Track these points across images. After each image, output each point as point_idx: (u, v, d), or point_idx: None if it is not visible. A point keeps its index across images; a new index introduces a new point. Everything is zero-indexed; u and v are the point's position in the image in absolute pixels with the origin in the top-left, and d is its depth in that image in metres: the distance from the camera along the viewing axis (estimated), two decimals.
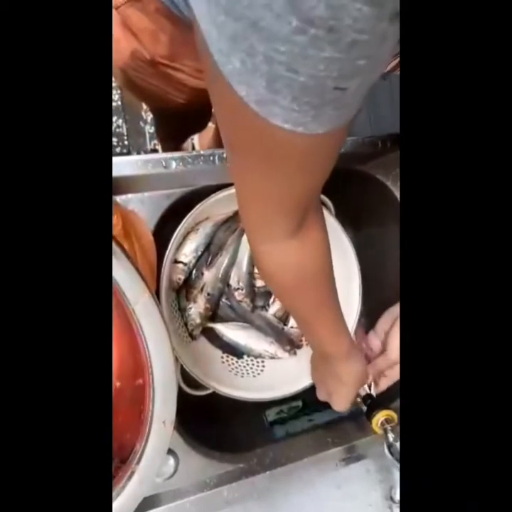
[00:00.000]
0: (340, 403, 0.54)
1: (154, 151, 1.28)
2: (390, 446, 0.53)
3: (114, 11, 0.52)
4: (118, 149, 1.28)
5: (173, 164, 0.51)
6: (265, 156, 0.26)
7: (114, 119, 1.27)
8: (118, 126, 1.28)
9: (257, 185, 0.30)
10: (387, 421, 0.54)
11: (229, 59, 0.20)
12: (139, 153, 1.28)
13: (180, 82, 0.59)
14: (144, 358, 0.41)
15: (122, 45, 0.55)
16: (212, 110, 1.06)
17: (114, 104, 1.26)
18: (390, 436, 0.54)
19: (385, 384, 0.59)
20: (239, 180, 0.33)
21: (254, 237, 0.37)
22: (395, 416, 0.55)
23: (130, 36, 0.53)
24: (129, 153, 1.28)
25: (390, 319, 0.59)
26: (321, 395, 0.60)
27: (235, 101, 0.22)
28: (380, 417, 0.54)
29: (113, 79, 0.66)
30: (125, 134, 1.28)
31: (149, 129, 1.29)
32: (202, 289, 0.63)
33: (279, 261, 0.38)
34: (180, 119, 0.80)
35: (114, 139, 1.27)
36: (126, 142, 1.28)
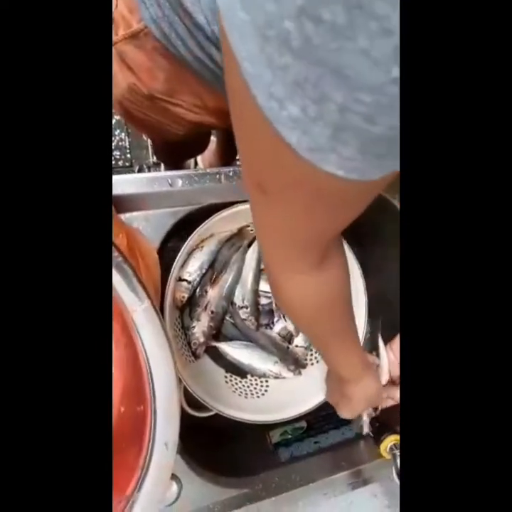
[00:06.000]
0: (344, 414, 0.55)
1: (157, 164, 1.28)
2: (398, 473, 0.52)
3: None
4: (120, 162, 1.27)
5: (180, 182, 0.51)
6: (302, 199, 0.25)
7: (117, 132, 1.27)
8: (121, 140, 1.28)
9: (287, 226, 0.29)
10: (396, 446, 0.53)
11: (283, 105, 0.18)
12: (141, 166, 1.28)
13: (178, 116, 0.58)
14: (145, 376, 0.39)
15: (119, 79, 0.54)
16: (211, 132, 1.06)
17: (116, 117, 1.26)
18: (399, 461, 0.52)
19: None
20: (265, 219, 0.31)
21: (274, 268, 0.36)
22: None
23: (127, 71, 0.53)
24: (131, 166, 1.28)
25: None
26: (330, 399, 0.60)
27: (279, 147, 0.20)
28: (388, 441, 0.53)
29: None
30: (127, 147, 1.28)
31: (151, 143, 1.29)
32: (206, 307, 0.62)
33: (300, 293, 0.37)
34: (179, 147, 0.80)
35: (117, 153, 1.27)
36: (128, 155, 1.28)
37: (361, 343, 0.64)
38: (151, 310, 0.34)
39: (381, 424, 0.56)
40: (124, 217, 0.51)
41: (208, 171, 0.52)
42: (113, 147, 1.26)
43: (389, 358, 0.59)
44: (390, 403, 0.58)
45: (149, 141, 1.29)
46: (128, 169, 1.28)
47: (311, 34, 0.15)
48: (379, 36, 0.14)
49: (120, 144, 1.27)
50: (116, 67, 0.53)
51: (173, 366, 0.37)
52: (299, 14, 0.14)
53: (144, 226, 0.52)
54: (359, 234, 0.71)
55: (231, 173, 0.53)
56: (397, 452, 0.53)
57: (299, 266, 0.34)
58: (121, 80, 0.54)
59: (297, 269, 0.35)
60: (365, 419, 0.58)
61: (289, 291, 0.37)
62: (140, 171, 1.27)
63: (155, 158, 1.29)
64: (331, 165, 0.20)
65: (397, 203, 0.64)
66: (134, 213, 0.52)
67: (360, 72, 0.15)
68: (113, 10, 0.49)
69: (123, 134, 1.28)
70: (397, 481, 0.53)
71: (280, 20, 0.15)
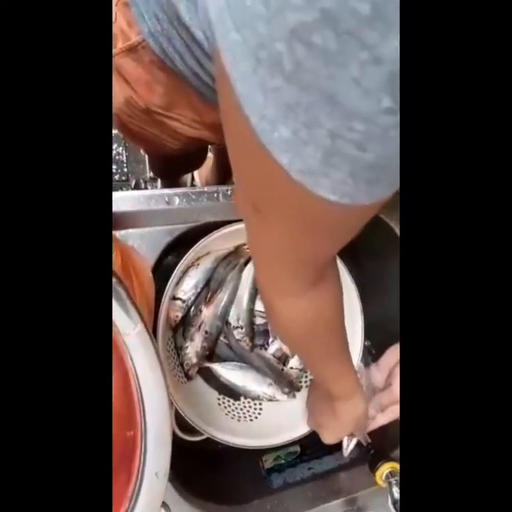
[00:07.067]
0: (328, 437, 0.54)
1: (153, 179, 1.27)
2: (394, 503, 0.50)
3: None
4: (117, 176, 1.27)
5: (177, 200, 0.50)
6: (296, 220, 0.25)
7: (114, 146, 1.27)
8: (118, 154, 1.27)
9: (281, 245, 0.28)
10: (392, 474, 0.52)
11: (275, 126, 0.18)
12: (137, 181, 1.28)
13: (174, 130, 0.57)
14: (135, 400, 0.38)
15: (116, 92, 0.54)
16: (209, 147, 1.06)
17: (114, 131, 1.26)
18: (395, 490, 0.51)
19: (386, 420, 0.56)
20: (259, 238, 0.30)
21: (267, 288, 0.36)
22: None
23: (124, 84, 0.52)
24: (127, 180, 1.27)
25: (396, 355, 0.57)
26: (311, 423, 0.60)
27: (272, 168, 0.20)
28: (384, 469, 0.52)
29: None
30: (124, 161, 1.28)
31: (147, 157, 1.29)
32: (200, 327, 0.61)
33: (293, 313, 0.36)
34: (175, 161, 0.79)
35: (114, 167, 1.27)
36: (125, 169, 1.28)
37: (358, 361, 0.63)
38: (145, 334, 0.33)
39: (376, 451, 0.54)
40: (119, 234, 0.50)
41: (205, 189, 0.52)
42: None
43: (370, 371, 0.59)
44: (385, 419, 0.56)
45: (146, 156, 1.29)
46: (124, 183, 1.27)
47: (302, 58, 0.14)
48: (369, 65, 0.14)
49: (117, 157, 1.27)
50: (114, 80, 0.52)
51: (166, 392, 0.36)
52: (291, 37, 0.14)
53: (139, 244, 0.51)
54: (354, 251, 0.71)
55: (229, 192, 0.53)
56: (393, 480, 0.52)
57: (292, 286, 0.34)
58: (118, 93, 0.54)
59: (290, 289, 0.34)
60: (346, 443, 0.57)
61: (282, 312, 0.37)
62: (137, 185, 1.27)
63: (152, 172, 1.29)
64: (323, 189, 0.20)
65: (389, 221, 0.64)
66: (130, 230, 0.51)
67: (351, 101, 0.15)
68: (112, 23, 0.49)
69: (120, 148, 1.28)
70: (393, 510, 0.52)
71: (272, 42, 0.15)
